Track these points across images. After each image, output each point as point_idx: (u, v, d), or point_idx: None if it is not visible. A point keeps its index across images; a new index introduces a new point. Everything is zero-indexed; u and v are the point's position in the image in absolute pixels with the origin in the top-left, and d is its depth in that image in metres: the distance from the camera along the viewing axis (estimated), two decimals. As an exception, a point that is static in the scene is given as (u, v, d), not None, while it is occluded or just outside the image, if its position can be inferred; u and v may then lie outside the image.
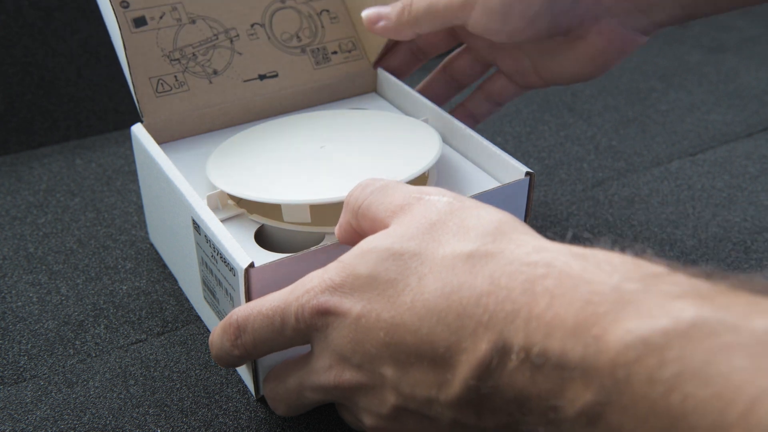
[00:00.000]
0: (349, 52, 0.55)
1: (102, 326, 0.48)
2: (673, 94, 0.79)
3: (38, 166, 0.64)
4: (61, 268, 0.52)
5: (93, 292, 0.50)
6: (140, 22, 0.49)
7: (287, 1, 0.54)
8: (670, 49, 0.89)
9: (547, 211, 0.59)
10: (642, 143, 0.69)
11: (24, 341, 0.46)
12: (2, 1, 0.65)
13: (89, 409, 0.42)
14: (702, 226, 0.58)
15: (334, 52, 0.54)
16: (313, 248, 0.39)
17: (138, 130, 0.48)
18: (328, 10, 0.55)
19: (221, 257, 0.39)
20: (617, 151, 0.68)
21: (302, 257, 0.38)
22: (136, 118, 0.49)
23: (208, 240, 0.40)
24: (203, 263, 0.42)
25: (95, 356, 0.45)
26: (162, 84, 0.49)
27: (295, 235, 0.43)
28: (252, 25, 0.52)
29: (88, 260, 0.53)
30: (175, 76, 0.50)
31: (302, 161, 0.45)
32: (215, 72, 0.51)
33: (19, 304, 0.49)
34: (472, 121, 0.56)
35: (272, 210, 0.44)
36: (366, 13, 0.50)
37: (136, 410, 0.42)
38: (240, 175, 0.44)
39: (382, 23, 0.49)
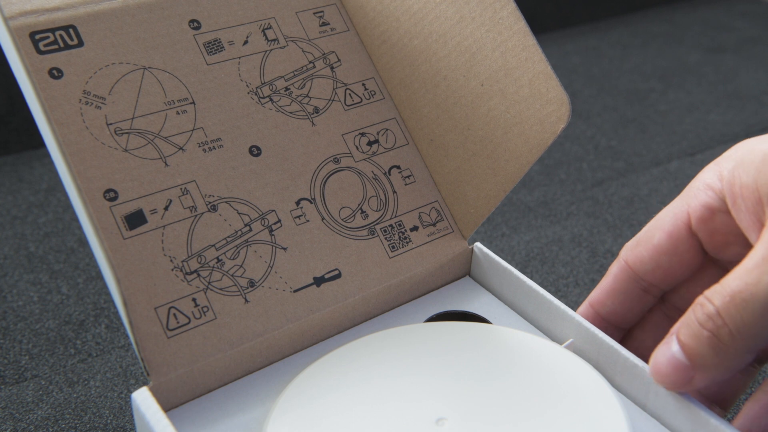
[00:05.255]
0: (434, 224, 0.40)
1: (103, 326, 0.48)
2: (672, 95, 0.79)
3: (39, 166, 0.64)
4: (62, 268, 0.52)
5: (94, 291, 0.50)
6: (136, 219, 0.34)
7: (342, 160, 0.39)
8: (669, 50, 0.89)
9: (547, 211, 0.59)
10: (641, 143, 0.69)
11: (25, 341, 0.46)
12: (3, 2, 0.65)
13: (90, 408, 0.42)
14: (701, 226, 0.58)
15: (414, 228, 0.39)
16: None
17: (142, 400, 0.31)
18: (398, 167, 0.40)
19: None
20: (617, 151, 0.68)
21: None
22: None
23: None
24: None
25: (96, 356, 0.46)
26: (175, 315, 0.33)
27: None
28: (298, 203, 0.37)
29: (89, 259, 0.53)
30: (194, 299, 0.34)
31: None
32: (252, 283, 0.35)
33: (20, 303, 0.49)
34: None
35: None
36: (659, 375, 0.31)
37: (137, 409, 0.42)
38: None
39: (701, 377, 0.30)
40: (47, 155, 0.65)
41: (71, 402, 0.42)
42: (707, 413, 0.31)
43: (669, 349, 0.30)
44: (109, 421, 0.41)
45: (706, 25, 0.95)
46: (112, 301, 0.50)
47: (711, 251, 0.34)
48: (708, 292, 0.29)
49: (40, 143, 0.67)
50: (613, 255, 0.55)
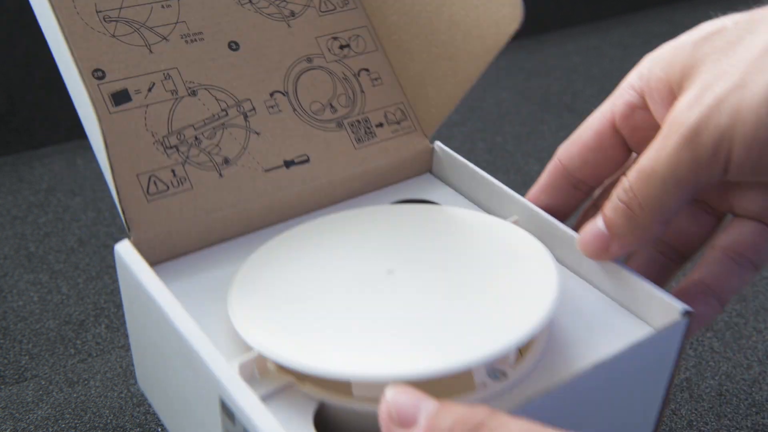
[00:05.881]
0: (398, 123, 0.43)
1: (103, 326, 0.48)
2: (672, 95, 0.79)
3: (39, 166, 0.64)
4: (62, 268, 0.52)
5: (94, 291, 0.50)
6: (122, 97, 0.37)
7: (315, 60, 0.42)
8: (669, 50, 0.89)
9: (547, 211, 0.59)
10: (642, 143, 0.69)
11: (25, 341, 0.46)
12: (3, 1, 0.65)
13: (90, 408, 0.42)
14: (701, 225, 0.58)
15: (379, 125, 0.42)
16: None
17: (124, 251, 0.35)
18: (367, 70, 0.43)
19: None
20: (617, 151, 0.68)
21: None
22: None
23: None
24: None
25: (96, 356, 0.46)
26: (155, 182, 0.37)
27: (373, 415, 0.28)
28: (272, 94, 0.40)
29: (89, 259, 0.53)
30: (173, 170, 0.37)
31: (366, 299, 0.33)
32: (226, 161, 0.38)
33: (20, 303, 0.49)
34: (717, 302, 0.35)
35: (335, 381, 0.31)
36: (583, 244, 0.34)
37: (137, 409, 0.42)
38: (280, 327, 0.31)
39: (616, 244, 0.33)
40: (47, 155, 0.65)
41: (71, 402, 0.42)
42: (629, 271, 0.34)
43: (594, 223, 0.34)
44: (109, 421, 0.41)
45: (707, 25, 0.95)
46: (112, 301, 0.49)
47: (634, 147, 0.36)
48: (628, 170, 0.32)
49: (40, 143, 0.67)
50: (614, 255, 0.55)
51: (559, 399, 0.30)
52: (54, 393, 0.43)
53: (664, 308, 0.32)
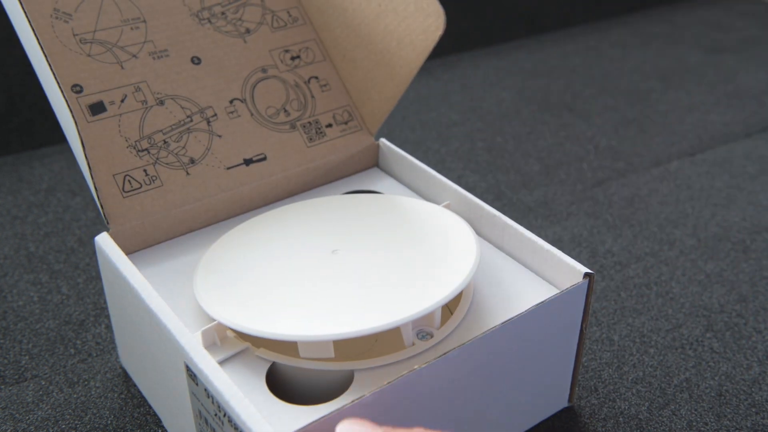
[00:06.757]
0: (346, 123, 0.48)
1: (103, 326, 0.48)
2: (672, 95, 0.79)
3: (39, 166, 0.64)
4: (62, 268, 0.52)
5: (94, 291, 0.50)
6: (98, 108, 0.42)
7: (269, 70, 0.47)
8: (669, 50, 0.89)
9: (547, 211, 0.59)
10: (641, 143, 0.69)
11: (25, 341, 0.46)
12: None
13: (90, 408, 0.42)
14: (701, 225, 0.58)
15: (329, 125, 0.47)
16: (349, 403, 0.32)
17: (104, 242, 0.40)
18: (317, 77, 0.48)
19: (230, 421, 0.32)
20: (617, 151, 0.68)
21: (337, 416, 0.31)
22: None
23: (209, 395, 0.33)
24: (201, 417, 0.35)
25: (96, 356, 0.46)
26: (129, 181, 0.41)
27: (316, 373, 0.34)
28: (231, 101, 0.45)
29: (88, 259, 0.53)
30: (145, 170, 0.42)
31: (312, 275, 0.38)
32: (192, 161, 0.43)
33: (20, 303, 0.49)
34: None
35: (284, 343, 0.36)
36: None
37: (137, 410, 0.42)
38: (238, 300, 0.36)
39: None
40: (47, 155, 0.65)
41: (71, 402, 0.42)
42: (542, 243, 0.39)
43: None
44: (109, 422, 0.41)
45: (706, 25, 0.95)
46: (112, 301, 0.50)
47: None
48: None
49: (40, 143, 0.67)
50: (613, 255, 0.55)
51: (473, 353, 0.34)
52: (54, 393, 0.43)
53: (570, 273, 0.38)
